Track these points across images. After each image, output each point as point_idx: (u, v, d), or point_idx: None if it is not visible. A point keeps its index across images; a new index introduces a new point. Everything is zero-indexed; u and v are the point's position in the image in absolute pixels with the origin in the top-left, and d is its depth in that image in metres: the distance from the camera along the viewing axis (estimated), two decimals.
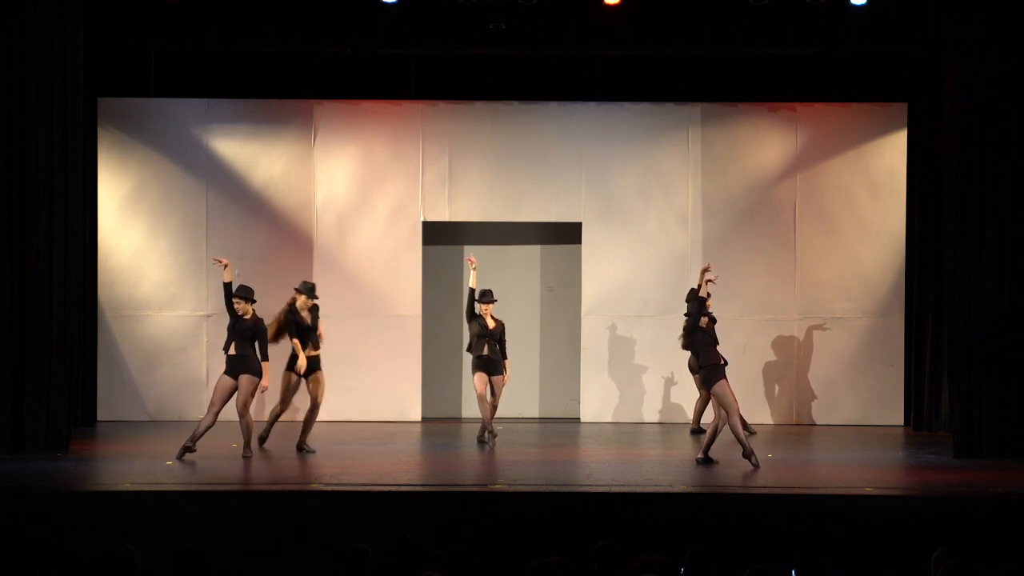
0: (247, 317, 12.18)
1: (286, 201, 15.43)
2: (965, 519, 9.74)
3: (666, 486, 10.80)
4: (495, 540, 9.40)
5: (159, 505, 9.95)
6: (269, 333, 12.43)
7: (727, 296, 14.83)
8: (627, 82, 15.34)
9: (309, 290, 12.82)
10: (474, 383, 13.37)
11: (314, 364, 12.73)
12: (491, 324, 13.37)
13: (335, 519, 9.67)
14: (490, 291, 13.46)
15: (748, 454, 11.68)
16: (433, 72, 15.10)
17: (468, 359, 14.24)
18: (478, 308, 13.42)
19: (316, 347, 12.78)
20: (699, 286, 13.11)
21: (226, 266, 12.17)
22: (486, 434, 13.21)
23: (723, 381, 11.83)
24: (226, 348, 12.21)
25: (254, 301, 12.28)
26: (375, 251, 15.45)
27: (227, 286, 12.16)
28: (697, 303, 12.22)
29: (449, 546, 7.70)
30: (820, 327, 15.44)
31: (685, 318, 12.80)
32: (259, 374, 12.16)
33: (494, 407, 13.38)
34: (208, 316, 15.33)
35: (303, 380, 12.79)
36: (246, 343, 12.14)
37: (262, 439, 12.75)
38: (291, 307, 12.77)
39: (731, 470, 11.57)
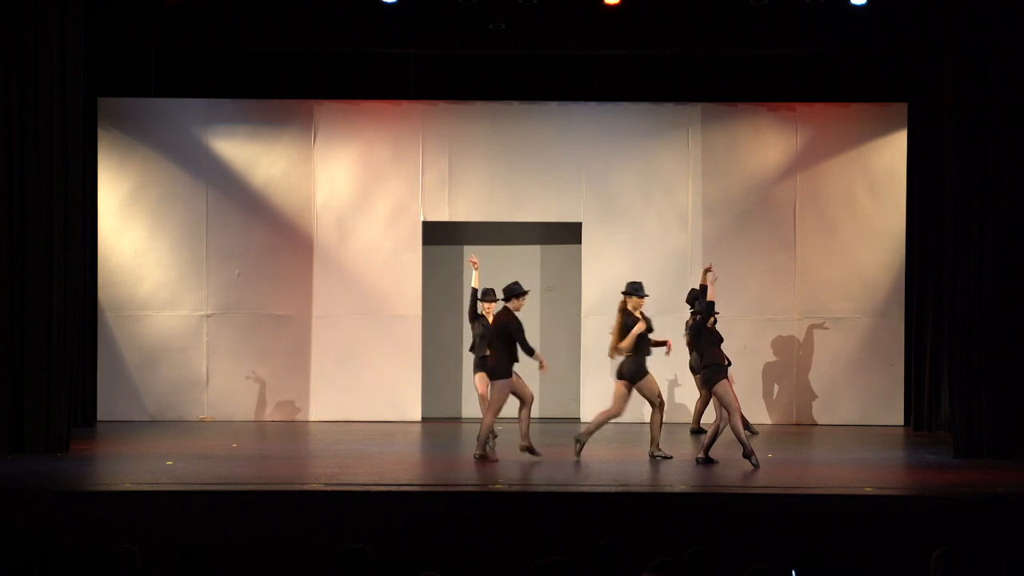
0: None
1: (286, 201, 15.43)
2: (965, 519, 9.75)
3: (666, 486, 10.81)
4: (495, 540, 9.40)
5: (159, 505, 9.95)
6: (621, 340, 12.19)
7: (727, 296, 14.82)
8: (627, 82, 15.34)
9: (637, 289, 12.42)
10: (475, 383, 13.35)
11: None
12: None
13: (335, 519, 9.67)
14: (492, 290, 13.45)
15: (748, 454, 11.68)
16: (433, 72, 15.10)
17: (468, 359, 14.25)
18: (480, 308, 13.41)
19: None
20: (701, 286, 13.17)
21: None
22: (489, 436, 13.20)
23: (725, 381, 11.86)
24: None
25: (494, 300, 12.81)
26: (375, 251, 15.46)
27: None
28: (708, 305, 12.22)
29: (450, 546, 7.71)
30: (820, 327, 15.45)
31: (694, 316, 12.86)
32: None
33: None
34: (208, 316, 15.34)
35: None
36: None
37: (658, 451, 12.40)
38: (625, 310, 12.35)
39: (731, 470, 11.58)
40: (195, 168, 15.37)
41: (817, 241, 15.47)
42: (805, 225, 15.47)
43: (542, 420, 15.68)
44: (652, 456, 12.24)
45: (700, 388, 13.89)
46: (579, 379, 15.61)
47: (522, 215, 15.60)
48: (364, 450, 12.81)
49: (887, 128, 15.42)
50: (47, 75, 12.26)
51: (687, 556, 7.06)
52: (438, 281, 15.86)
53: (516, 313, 12.19)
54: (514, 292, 12.28)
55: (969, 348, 12.43)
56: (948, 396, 13.54)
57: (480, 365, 13.29)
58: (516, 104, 15.56)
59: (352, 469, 11.50)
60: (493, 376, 12.25)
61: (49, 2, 12.26)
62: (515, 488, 10.46)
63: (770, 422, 15.38)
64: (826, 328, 15.43)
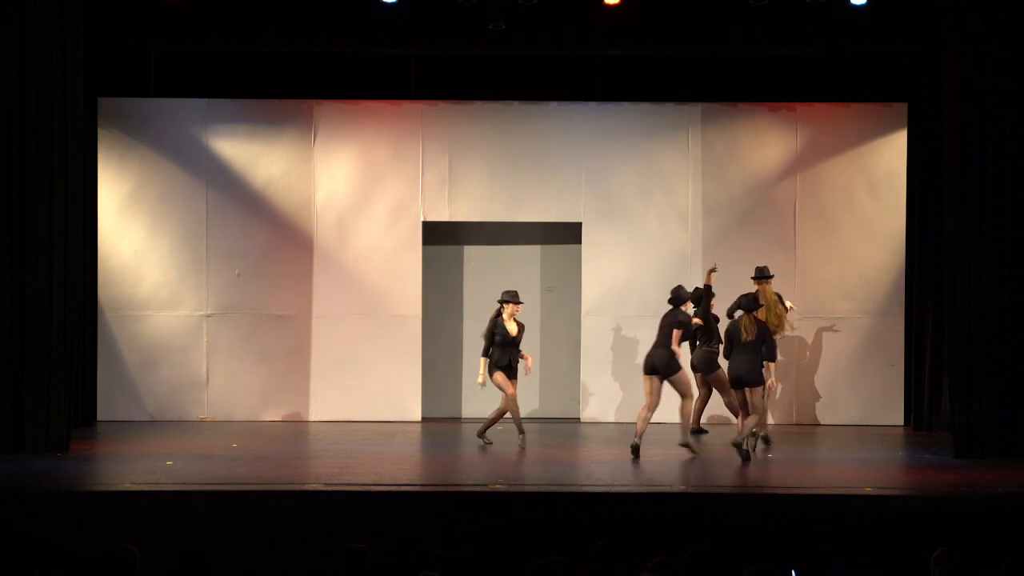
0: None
1: (286, 201, 15.43)
2: (965, 519, 9.75)
3: (666, 486, 10.81)
4: (495, 540, 9.40)
5: (159, 505, 9.96)
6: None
7: (728, 296, 14.76)
8: (627, 82, 15.33)
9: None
10: (499, 383, 13.13)
11: None
12: (513, 331, 13.21)
13: (335, 519, 9.67)
14: (515, 292, 13.39)
15: (741, 446, 12.05)
16: (433, 72, 15.10)
17: (468, 359, 14.29)
18: (506, 310, 13.23)
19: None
20: (706, 285, 13.23)
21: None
22: (485, 433, 13.22)
23: (719, 371, 12.11)
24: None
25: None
26: (375, 251, 15.45)
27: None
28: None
29: (450, 546, 7.71)
30: (822, 327, 15.44)
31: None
32: None
33: (501, 412, 13.33)
34: (208, 316, 15.34)
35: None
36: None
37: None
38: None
39: (731, 470, 11.59)
40: (195, 168, 15.36)
41: (817, 241, 15.47)
42: (805, 225, 15.47)
43: (541, 420, 15.68)
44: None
45: (700, 387, 13.89)
46: (579, 379, 15.61)
47: (522, 215, 15.60)
48: (364, 450, 12.81)
49: (887, 128, 15.41)
50: (47, 75, 12.26)
51: (687, 556, 7.06)
52: (438, 281, 15.86)
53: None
54: (681, 298, 12.72)
55: (969, 348, 12.43)
56: (948, 396, 13.54)
57: (501, 368, 13.19)
58: (516, 104, 15.55)
59: (352, 469, 11.51)
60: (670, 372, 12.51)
61: (49, 2, 12.26)
62: (515, 488, 10.46)
63: (771, 422, 15.33)
64: (836, 330, 15.41)
